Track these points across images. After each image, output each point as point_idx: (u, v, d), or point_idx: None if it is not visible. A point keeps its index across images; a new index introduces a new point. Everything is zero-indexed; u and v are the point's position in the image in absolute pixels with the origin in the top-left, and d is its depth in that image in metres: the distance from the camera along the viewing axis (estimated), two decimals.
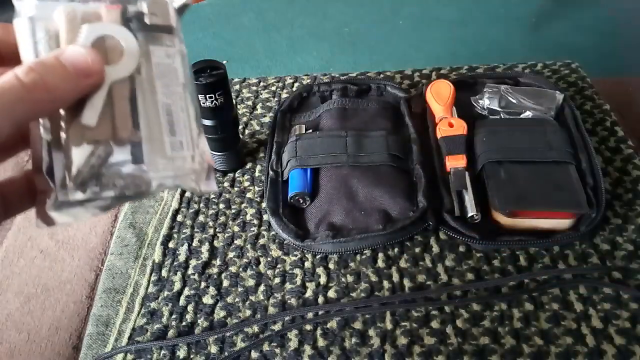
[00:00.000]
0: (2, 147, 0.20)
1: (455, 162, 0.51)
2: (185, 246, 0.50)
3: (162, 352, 0.43)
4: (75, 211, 0.23)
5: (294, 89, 0.68)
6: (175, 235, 0.52)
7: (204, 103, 0.50)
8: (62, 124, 0.22)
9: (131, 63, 0.24)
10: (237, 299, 0.46)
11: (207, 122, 0.52)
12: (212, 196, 0.55)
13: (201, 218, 0.53)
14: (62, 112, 0.22)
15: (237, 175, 0.58)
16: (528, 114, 0.56)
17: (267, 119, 0.64)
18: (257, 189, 0.56)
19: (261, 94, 0.68)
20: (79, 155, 0.23)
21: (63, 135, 0.22)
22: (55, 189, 0.22)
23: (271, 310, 0.45)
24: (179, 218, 0.53)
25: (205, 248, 0.50)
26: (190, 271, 0.48)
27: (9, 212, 0.24)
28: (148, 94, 0.24)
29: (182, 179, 0.25)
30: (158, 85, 0.25)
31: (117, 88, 0.24)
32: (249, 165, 0.59)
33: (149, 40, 0.25)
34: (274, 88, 0.68)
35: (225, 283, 0.47)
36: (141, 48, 0.24)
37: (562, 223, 0.47)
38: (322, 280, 0.46)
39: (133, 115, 0.24)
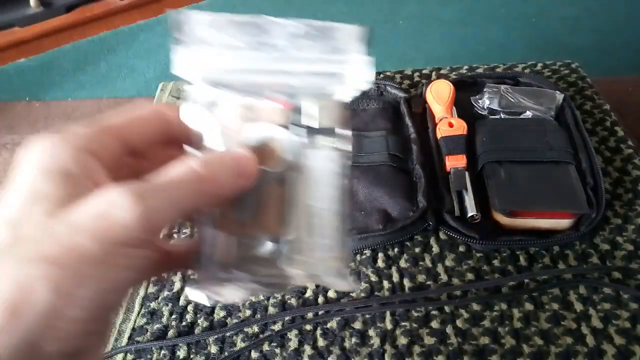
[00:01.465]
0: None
1: (455, 162, 0.51)
2: None
3: (162, 352, 0.43)
4: (220, 291, 0.24)
5: None
6: (175, 235, 0.52)
7: None
8: (217, 213, 0.24)
9: (288, 165, 0.25)
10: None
11: None
12: None
13: None
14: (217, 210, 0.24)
15: None
16: (528, 114, 0.56)
17: None
18: None
19: None
20: (228, 242, 0.24)
21: (216, 222, 0.24)
22: (204, 269, 0.24)
23: (271, 310, 0.45)
24: None
25: None
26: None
27: (170, 269, 0.26)
28: (300, 195, 0.25)
29: (322, 278, 0.25)
30: (310, 188, 0.25)
31: (272, 187, 0.25)
32: None
33: (309, 141, 0.25)
34: None
35: None
36: (300, 150, 0.25)
37: (562, 223, 0.47)
38: None
39: (283, 214, 0.25)
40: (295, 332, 0.43)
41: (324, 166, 0.25)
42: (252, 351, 0.42)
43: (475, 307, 0.44)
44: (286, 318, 0.44)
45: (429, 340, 0.42)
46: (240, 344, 0.43)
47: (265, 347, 0.42)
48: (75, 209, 0.18)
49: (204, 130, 0.24)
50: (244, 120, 0.24)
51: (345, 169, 0.25)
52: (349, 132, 0.25)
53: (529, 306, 0.43)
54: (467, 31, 1.31)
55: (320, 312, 0.44)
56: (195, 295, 0.23)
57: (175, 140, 0.24)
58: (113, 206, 0.18)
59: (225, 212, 0.24)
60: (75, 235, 0.18)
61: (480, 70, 0.68)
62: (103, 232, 0.18)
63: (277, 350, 0.42)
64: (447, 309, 0.44)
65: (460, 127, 0.54)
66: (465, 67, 0.69)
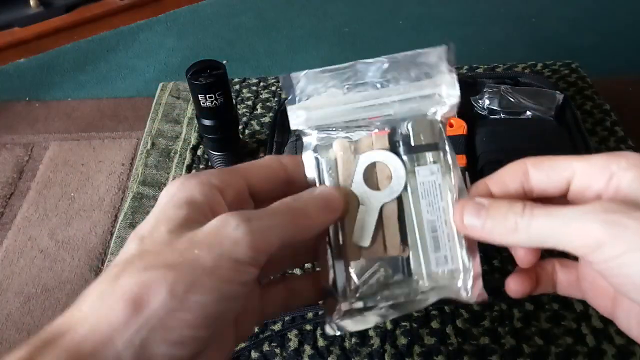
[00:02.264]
0: (272, 261, 0.23)
1: None
2: None
3: None
4: (357, 319, 0.26)
5: None
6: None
7: (203, 103, 0.50)
8: (341, 242, 0.26)
9: (398, 186, 0.27)
10: None
11: (207, 122, 0.52)
12: None
13: None
14: (339, 234, 0.26)
15: None
16: (528, 114, 0.56)
17: (267, 119, 0.64)
18: None
19: (261, 94, 0.68)
20: (358, 270, 0.26)
21: (340, 253, 0.26)
22: (339, 299, 0.26)
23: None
24: None
25: None
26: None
27: (294, 303, 0.29)
28: (414, 212, 0.27)
29: (448, 290, 0.26)
30: (423, 204, 0.27)
31: (387, 209, 0.27)
32: None
33: (414, 160, 0.27)
34: (274, 88, 0.68)
35: None
36: (407, 170, 0.27)
37: None
38: None
39: (401, 233, 0.26)
40: (295, 332, 0.43)
41: (429, 180, 0.27)
42: (252, 351, 0.42)
43: (476, 307, 0.44)
44: (286, 318, 0.44)
45: (429, 340, 0.42)
46: (240, 344, 0.43)
47: (265, 347, 0.42)
48: (194, 229, 0.22)
49: (323, 176, 0.27)
50: (351, 156, 0.27)
51: (455, 177, 0.27)
52: (446, 146, 0.27)
53: (529, 306, 0.43)
54: (467, 31, 1.31)
55: (320, 312, 0.44)
56: (334, 328, 0.25)
57: (293, 186, 0.26)
58: (225, 225, 0.21)
59: (347, 242, 0.26)
60: (193, 247, 0.21)
61: (480, 70, 0.68)
62: (216, 245, 0.21)
63: (277, 350, 0.42)
64: (447, 309, 0.44)
65: (460, 127, 0.54)
66: (465, 67, 0.69)
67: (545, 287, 0.28)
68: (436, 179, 0.27)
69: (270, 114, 0.64)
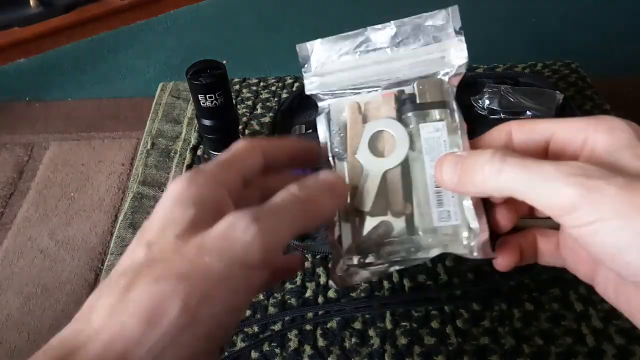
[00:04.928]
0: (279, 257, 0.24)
1: None
2: None
3: None
4: (359, 273, 0.27)
5: (294, 89, 0.68)
6: None
7: (203, 103, 0.50)
8: (347, 204, 0.27)
9: (402, 153, 0.27)
10: None
11: (207, 122, 0.52)
12: None
13: None
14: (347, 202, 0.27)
15: None
16: (528, 114, 0.56)
17: (267, 119, 0.64)
18: None
19: (261, 94, 0.68)
20: (362, 227, 0.27)
21: (345, 216, 0.27)
22: (342, 253, 0.27)
23: (271, 310, 0.45)
24: None
25: None
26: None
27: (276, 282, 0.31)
28: (418, 170, 0.27)
29: (451, 246, 0.26)
30: (426, 160, 0.27)
31: (390, 174, 0.27)
32: None
33: (420, 118, 0.28)
34: (274, 88, 0.68)
35: None
36: (412, 128, 0.27)
37: None
38: (322, 280, 0.47)
39: (405, 192, 0.27)
40: (295, 332, 0.43)
41: (433, 136, 0.27)
42: (252, 351, 0.42)
43: (475, 307, 0.44)
44: (286, 318, 0.44)
45: (429, 340, 0.42)
46: (240, 344, 0.43)
47: (265, 347, 0.42)
48: (202, 233, 0.21)
49: (333, 137, 0.28)
50: (360, 118, 0.28)
51: (461, 133, 0.27)
52: (454, 104, 0.28)
53: (529, 306, 0.43)
54: (467, 31, 1.31)
55: (320, 312, 0.44)
56: (336, 281, 0.26)
57: (273, 166, 0.26)
58: (234, 228, 0.20)
59: (351, 206, 0.27)
60: (202, 254, 0.20)
61: (480, 70, 0.68)
62: (226, 251, 0.20)
63: (277, 350, 0.42)
64: (447, 309, 0.44)
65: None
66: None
67: (528, 257, 0.28)
68: (441, 135, 0.27)
69: (270, 114, 0.64)
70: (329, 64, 0.29)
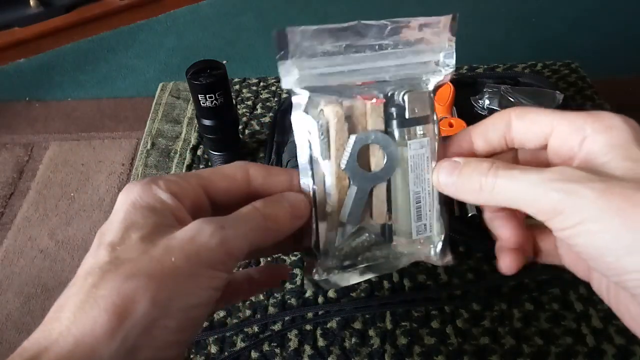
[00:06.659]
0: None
1: None
2: None
3: None
4: (335, 277, 0.28)
5: None
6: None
7: (203, 103, 0.50)
8: (328, 211, 0.27)
9: (391, 169, 0.27)
10: None
11: (207, 122, 0.52)
12: None
13: None
14: (326, 203, 0.27)
15: None
16: None
17: (267, 119, 0.64)
18: None
19: (261, 94, 0.68)
20: (340, 234, 0.27)
21: (330, 225, 0.27)
22: (319, 257, 0.27)
23: (271, 310, 0.45)
24: None
25: None
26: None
27: (238, 297, 0.34)
28: (401, 185, 0.27)
29: (421, 254, 0.29)
30: (411, 177, 0.27)
31: (377, 188, 0.27)
32: None
33: (407, 134, 0.27)
34: (274, 88, 0.68)
35: None
36: (400, 146, 0.27)
37: None
38: None
39: (388, 204, 0.27)
40: (295, 332, 0.43)
41: (418, 153, 0.27)
42: (252, 351, 0.42)
43: (475, 307, 0.44)
44: (286, 318, 0.44)
45: (429, 340, 0.42)
46: (240, 344, 0.43)
47: (265, 347, 0.42)
48: (168, 236, 0.22)
49: (312, 140, 0.26)
50: (346, 127, 0.26)
51: (436, 147, 0.27)
52: (435, 118, 0.27)
53: (529, 306, 0.43)
54: (467, 31, 1.31)
55: (320, 312, 0.44)
56: (310, 283, 0.27)
57: (256, 197, 0.26)
58: (200, 233, 0.22)
59: (334, 213, 0.27)
60: (170, 255, 0.21)
61: (480, 70, 0.68)
62: (193, 253, 0.21)
63: (277, 350, 0.42)
64: (447, 309, 0.44)
65: (460, 127, 0.54)
66: (465, 67, 0.69)
67: (528, 256, 0.29)
68: (425, 152, 0.27)
69: (270, 114, 0.64)
70: (309, 55, 0.26)
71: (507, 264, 0.27)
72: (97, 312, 0.19)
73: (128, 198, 0.23)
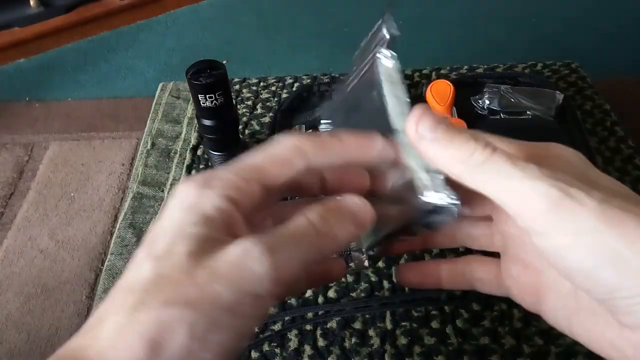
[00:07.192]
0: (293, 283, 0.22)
1: None
2: None
3: None
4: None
5: (294, 89, 0.68)
6: None
7: (203, 103, 0.50)
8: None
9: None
10: None
11: (207, 122, 0.52)
12: None
13: None
14: None
15: None
16: (528, 114, 0.56)
17: (267, 119, 0.64)
18: None
19: (261, 94, 0.68)
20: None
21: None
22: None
23: (271, 310, 0.45)
24: None
25: None
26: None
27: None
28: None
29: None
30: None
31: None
32: None
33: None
34: (274, 88, 0.68)
35: None
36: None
37: None
38: None
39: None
40: (295, 332, 0.43)
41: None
42: (252, 351, 0.42)
43: (475, 307, 0.44)
44: (286, 318, 0.44)
45: (429, 340, 0.42)
46: None
47: (265, 347, 0.42)
48: (214, 255, 0.20)
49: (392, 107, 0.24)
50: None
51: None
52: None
53: None
54: (467, 31, 1.31)
55: (320, 312, 0.44)
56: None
57: (316, 172, 0.24)
58: (248, 258, 0.20)
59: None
60: (214, 281, 0.19)
61: (480, 70, 0.68)
62: (238, 281, 0.19)
63: (277, 350, 0.42)
64: (447, 309, 0.44)
65: (460, 127, 0.54)
66: (465, 67, 0.69)
67: (431, 283, 0.29)
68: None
69: (270, 114, 0.64)
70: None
71: (404, 279, 0.29)
72: (133, 338, 0.18)
73: (180, 201, 0.22)
